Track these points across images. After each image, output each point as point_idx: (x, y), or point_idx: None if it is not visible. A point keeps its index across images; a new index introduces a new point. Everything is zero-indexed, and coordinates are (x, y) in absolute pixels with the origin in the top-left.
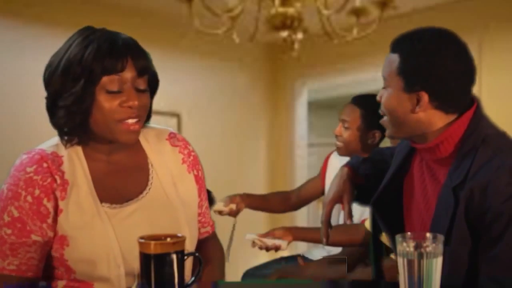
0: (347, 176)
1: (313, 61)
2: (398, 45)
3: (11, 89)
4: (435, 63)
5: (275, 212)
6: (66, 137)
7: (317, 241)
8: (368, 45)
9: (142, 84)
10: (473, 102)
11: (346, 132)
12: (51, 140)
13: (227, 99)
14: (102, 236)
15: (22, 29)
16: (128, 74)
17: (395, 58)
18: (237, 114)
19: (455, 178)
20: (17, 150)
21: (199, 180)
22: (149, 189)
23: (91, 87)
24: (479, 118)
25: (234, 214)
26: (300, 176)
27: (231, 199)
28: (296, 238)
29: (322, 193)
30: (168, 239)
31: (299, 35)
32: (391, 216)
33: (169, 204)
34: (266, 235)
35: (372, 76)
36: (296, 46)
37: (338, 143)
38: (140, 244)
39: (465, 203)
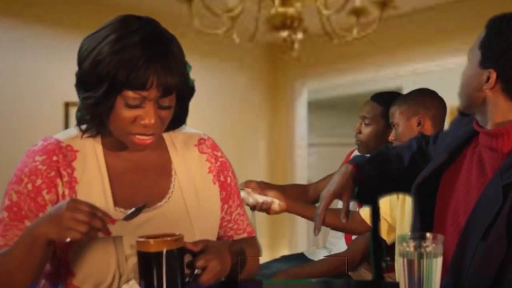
0: (350, 174)
1: (313, 61)
2: (491, 22)
3: (11, 89)
4: (510, 45)
5: None
6: (84, 126)
7: (310, 218)
8: (368, 45)
9: (166, 101)
10: None
11: (367, 129)
12: (71, 130)
13: (227, 99)
14: (108, 245)
15: (22, 29)
16: (152, 93)
17: (483, 33)
18: (237, 114)
19: (507, 176)
20: (15, 150)
21: (227, 186)
22: (169, 197)
23: (112, 94)
24: None
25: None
26: (300, 176)
27: (246, 184)
28: (289, 210)
29: None
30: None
31: (299, 35)
32: (424, 203)
33: (187, 217)
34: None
35: (372, 76)
36: (296, 46)
37: (358, 140)
38: (139, 243)
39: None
